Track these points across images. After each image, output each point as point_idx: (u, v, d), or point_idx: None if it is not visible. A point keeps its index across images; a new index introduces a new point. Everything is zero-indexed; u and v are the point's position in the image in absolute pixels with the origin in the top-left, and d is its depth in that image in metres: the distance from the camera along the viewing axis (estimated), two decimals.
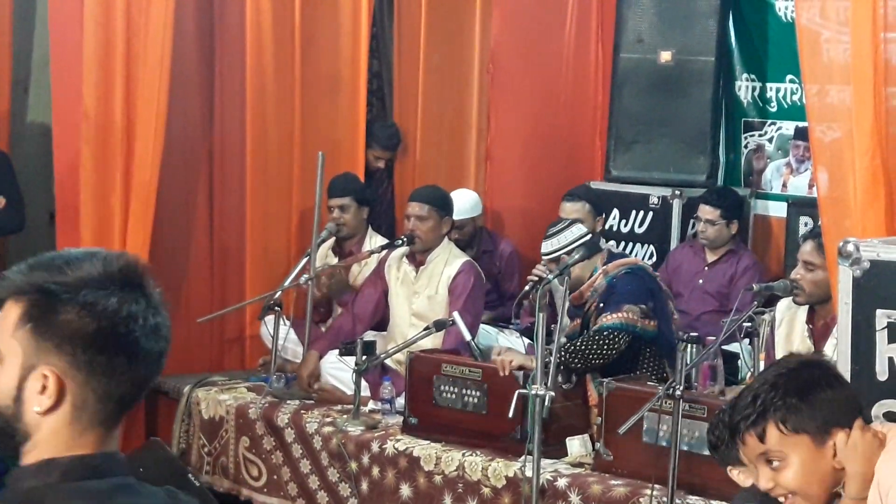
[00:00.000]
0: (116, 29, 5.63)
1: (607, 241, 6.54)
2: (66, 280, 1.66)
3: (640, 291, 4.92)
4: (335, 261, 6.13)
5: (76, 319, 1.64)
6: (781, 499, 2.56)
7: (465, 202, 6.37)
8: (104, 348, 1.66)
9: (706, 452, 4.31)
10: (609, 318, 4.83)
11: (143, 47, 5.66)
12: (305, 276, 5.73)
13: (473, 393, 4.93)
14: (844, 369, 3.08)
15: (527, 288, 5.16)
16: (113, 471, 1.68)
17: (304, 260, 5.84)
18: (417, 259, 5.70)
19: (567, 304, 4.95)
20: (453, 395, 4.97)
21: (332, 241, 6.18)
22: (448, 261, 5.64)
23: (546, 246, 5.07)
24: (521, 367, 4.77)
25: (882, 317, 3.02)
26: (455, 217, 6.18)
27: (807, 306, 4.65)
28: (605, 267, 5.00)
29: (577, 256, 4.93)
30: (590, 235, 5.12)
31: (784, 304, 4.77)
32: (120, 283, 1.69)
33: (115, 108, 5.66)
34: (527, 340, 5.65)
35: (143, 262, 1.76)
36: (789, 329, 4.71)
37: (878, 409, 3.05)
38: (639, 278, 4.99)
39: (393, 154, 6.95)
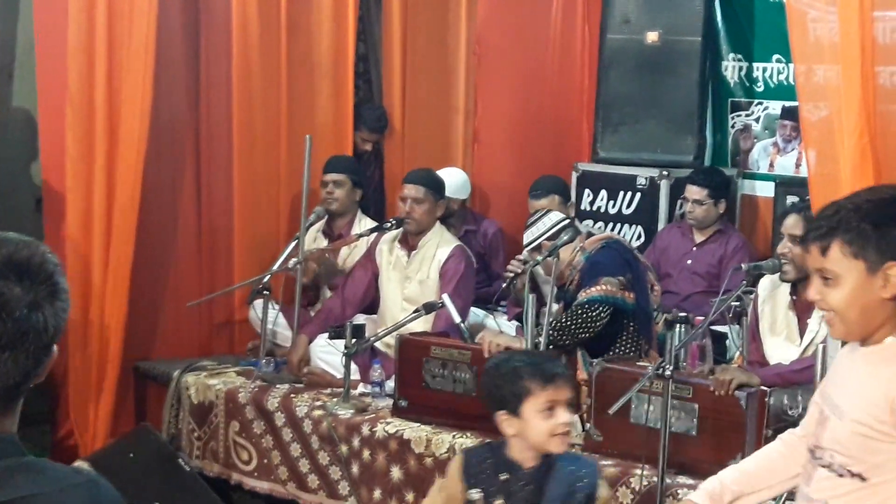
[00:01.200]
0: (100, 14, 5.60)
1: (595, 223, 6.56)
2: None
3: (616, 264, 4.98)
4: (324, 243, 6.12)
5: None
6: (824, 312, 2.66)
7: (455, 181, 6.38)
8: None
9: (693, 433, 4.35)
10: (588, 292, 4.89)
11: (128, 32, 5.63)
12: (294, 259, 5.73)
13: (463, 375, 4.93)
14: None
15: (505, 284, 5.20)
16: (6, 452, 1.68)
17: (293, 244, 5.83)
18: (410, 243, 5.70)
19: (555, 288, 4.96)
20: (443, 378, 4.98)
21: (321, 223, 6.18)
22: (439, 245, 5.65)
23: (527, 236, 5.11)
24: (508, 349, 4.77)
25: None
26: (454, 197, 6.21)
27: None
28: (582, 245, 5.04)
29: (565, 238, 4.94)
30: (567, 220, 5.14)
31: (766, 282, 4.79)
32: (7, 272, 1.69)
33: (100, 94, 5.64)
34: (516, 323, 5.66)
35: (39, 255, 1.74)
36: (773, 305, 4.73)
37: None
38: (614, 251, 5.05)
39: (380, 136, 6.94)
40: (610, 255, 5.02)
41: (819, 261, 2.59)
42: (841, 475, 2.60)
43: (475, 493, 3.22)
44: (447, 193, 6.10)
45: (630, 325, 5.01)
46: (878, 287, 2.54)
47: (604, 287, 4.89)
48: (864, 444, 2.55)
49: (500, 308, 6.23)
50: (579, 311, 4.85)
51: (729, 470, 2.99)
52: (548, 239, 5.03)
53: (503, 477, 3.20)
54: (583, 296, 4.90)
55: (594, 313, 4.84)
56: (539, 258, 4.94)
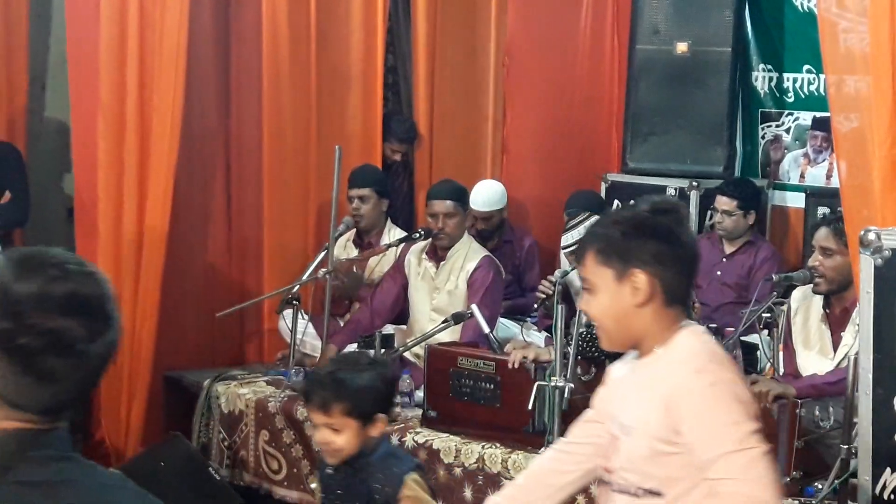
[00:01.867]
0: (131, 25, 5.64)
1: None
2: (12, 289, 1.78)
3: None
4: (355, 253, 6.14)
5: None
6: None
7: (492, 194, 6.40)
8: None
9: None
10: None
11: (159, 43, 5.67)
12: (323, 269, 5.74)
13: (487, 386, 4.92)
14: (867, 358, 3.08)
15: (536, 305, 5.15)
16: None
17: (323, 254, 5.85)
18: (438, 254, 5.71)
19: None
20: (469, 388, 4.96)
21: (351, 233, 6.20)
22: (468, 255, 5.66)
23: (566, 238, 5.07)
24: (536, 360, 4.76)
25: None
26: (483, 209, 6.24)
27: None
28: None
29: None
30: None
31: (799, 293, 4.76)
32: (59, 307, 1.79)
33: (132, 104, 5.67)
34: (546, 334, 5.65)
35: (100, 290, 1.85)
36: (805, 317, 4.70)
37: None
38: None
39: (410, 147, 6.96)
40: None
41: (581, 270, 2.67)
42: (637, 495, 2.60)
43: (314, 484, 3.68)
44: (486, 206, 6.19)
45: None
46: (628, 294, 2.59)
47: None
48: (654, 459, 2.56)
49: (530, 319, 6.23)
50: None
51: (506, 487, 3.06)
52: None
53: (328, 471, 3.49)
54: None
55: None
56: (569, 268, 4.91)
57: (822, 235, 4.57)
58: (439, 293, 5.67)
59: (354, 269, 6.08)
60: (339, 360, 3.81)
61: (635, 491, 2.60)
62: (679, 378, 2.55)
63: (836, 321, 4.58)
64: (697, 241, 2.80)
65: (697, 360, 2.57)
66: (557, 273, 5.07)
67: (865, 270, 3.06)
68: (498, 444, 4.83)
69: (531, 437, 4.69)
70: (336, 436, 3.37)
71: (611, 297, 2.61)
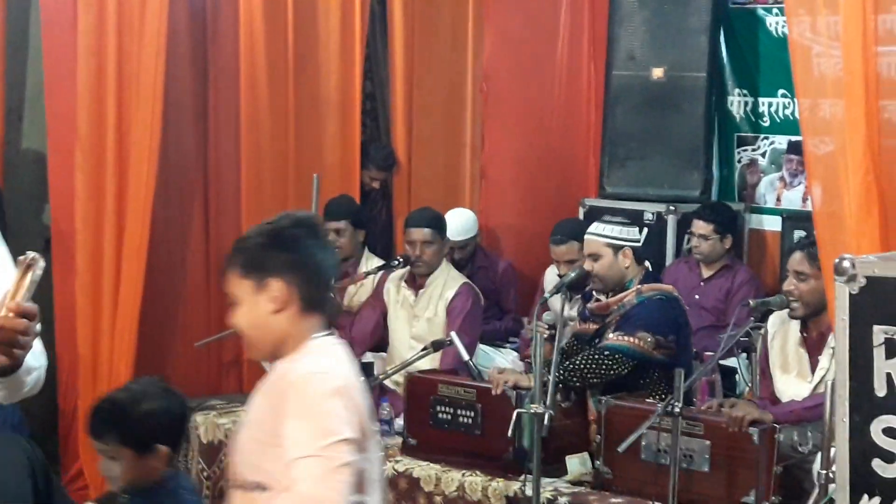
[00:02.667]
0: (109, 56, 5.65)
1: None
2: None
3: (663, 322, 4.84)
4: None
5: None
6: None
7: (465, 222, 6.41)
8: None
9: (706, 469, 4.34)
10: (617, 339, 4.79)
11: (136, 75, 5.68)
12: None
13: (468, 413, 4.92)
14: (843, 385, 3.08)
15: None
16: None
17: None
18: (417, 282, 5.71)
19: (567, 328, 4.89)
20: (449, 416, 4.96)
21: None
22: (446, 283, 5.67)
23: (598, 227, 5.02)
24: (516, 386, 4.76)
25: (879, 333, 3.01)
26: (458, 237, 6.24)
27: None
28: (640, 286, 4.94)
29: (572, 276, 4.92)
30: (638, 244, 5.05)
31: (776, 318, 4.77)
32: None
33: (109, 135, 5.68)
34: (517, 360, 5.66)
35: None
36: (783, 341, 4.72)
37: (877, 424, 3.03)
38: (668, 308, 4.92)
39: (388, 175, 6.97)
40: (661, 309, 4.87)
41: (225, 286, 2.81)
42: (247, 489, 2.74)
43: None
44: (460, 235, 6.22)
45: (655, 374, 4.85)
46: (266, 303, 2.73)
47: (635, 341, 4.77)
48: (261, 453, 2.71)
49: (508, 345, 6.24)
50: (597, 357, 4.77)
51: None
52: (611, 245, 4.93)
53: (122, 498, 3.42)
54: (610, 340, 4.81)
55: (612, 363, 4.75)
56: (572, 274, 4.90)
57: (797, 260, 4.59)
58: (419, 321, 5.67)
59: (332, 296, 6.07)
60: (128, 386, 3.74)
61: (246, 484, 2.74)
62: (292, 379, 2.71)
63: (814, 345, 4.60)
64: (334, 254, 2.94)
65: (315, 366, 2.72)
66: (545, 316, 5.01)
67: (840, 298, 3.06)
68: (478, 472, 4.82)
69: (511, 464, 4.69)
70: (113, 463, 3.35)
71: (251, 307, 2.76)
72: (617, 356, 4.75)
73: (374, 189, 6.92)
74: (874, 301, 3.01)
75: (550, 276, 6.16)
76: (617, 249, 4.93)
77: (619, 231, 4.99)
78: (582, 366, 4.76)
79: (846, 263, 3.05)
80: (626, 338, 4.78)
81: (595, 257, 4.94)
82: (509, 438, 4.61)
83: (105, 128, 5.68)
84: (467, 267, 6.39)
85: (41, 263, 2.32)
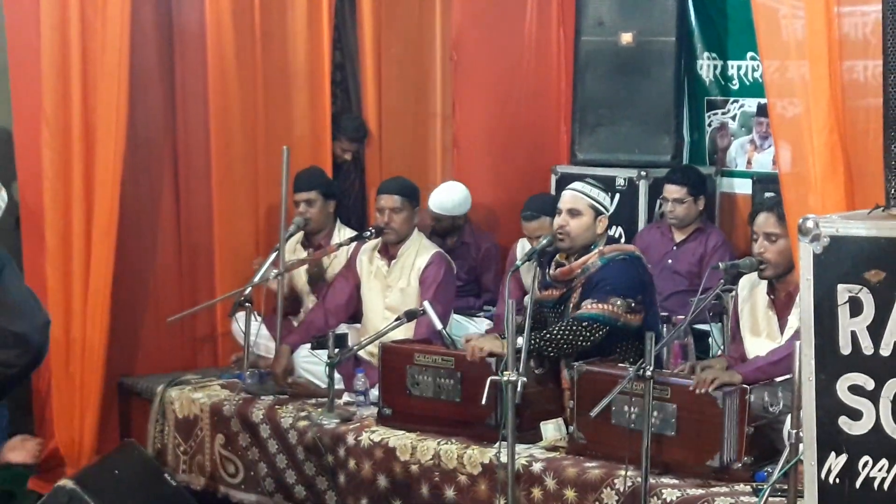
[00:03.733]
0: (72, 32, 5.61)
1: None
2: None
3: (633, 284, 4.84)
4: (304, 254, 6.13)
5: None
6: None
7: (459, 197, 6.40)
8: None
9: (671, 433, 4.36)
10: (592, 308, 4.78)
11: (101, 49, 5.64)
12: (275, 271, 5.73)
13: (447, 381, 4.93)
14: (809, 344, 3.10)
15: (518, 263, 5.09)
16: None
17: (273, 255, 5.84)
18: (389, 252, 5.71)
19: (534, 294, 4.88)
20: (427, 385, 4.98)
21: (300, 235, 6.18)
22: (419, 252, 5.67)
23: (584, 187, 5.01)
24: (491, 354, 4.77)
25: (843, 291, 3.04)
26: (452, 213, 6.25)
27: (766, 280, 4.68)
28: (602, 248, 4.94)
29: (543, 241, 4.93)
30: (607, 212, 5.03)
31: (745, 282, 4.79)
32: None
33: (75, 112, 5.64)
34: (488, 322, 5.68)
35: None
36: (752, 304, 4.74)
37: (843, 382, 3.06)
38: (634, 269, 4.91)
39: (360, 146, 6.95)
40: (628, 271, 4.87)
41: None
42: None
43: None
44: (455, 210, 6.24)
45: (626, 341, 4.86)
46: None
47: (610, 307, 4.76)
48: None
49: (482, 313, 6.26)
50: (574, 327, 4.76)
51: None
52: (593, 203, 4.94)
53: None
54: (586, 309, 4.80)
55: (588, 332, 4.74)
56: (543, 241, 4.91)
57: (765, 221, 4.59)
58: (392, 291, 5.67)
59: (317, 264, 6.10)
60: None
61: None
62: None
63: (782, 305, 4.63)
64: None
65: None
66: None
67: (805, 258, 3.08)
68: (454, 440, 4.84)
69: (491, 430, 4.70)
70: None
71: None
72: (594, 325, 4.76)
73: (346, 161, 6.90)
74: (838, 260, 3.04)
75: (521, 248, 6.17)
76: (597, 214, 4.94)
77: (602, 197, 5.00)
78: (558, 336, 4.76)
79: (810, 223, 3.07)
80: (599, 305, 4.78)
81: (574, 213, 4.92)
82: (489, 405, 4.62)
83: (71, 104, 5.64)
84: (454, 238, 6.41)
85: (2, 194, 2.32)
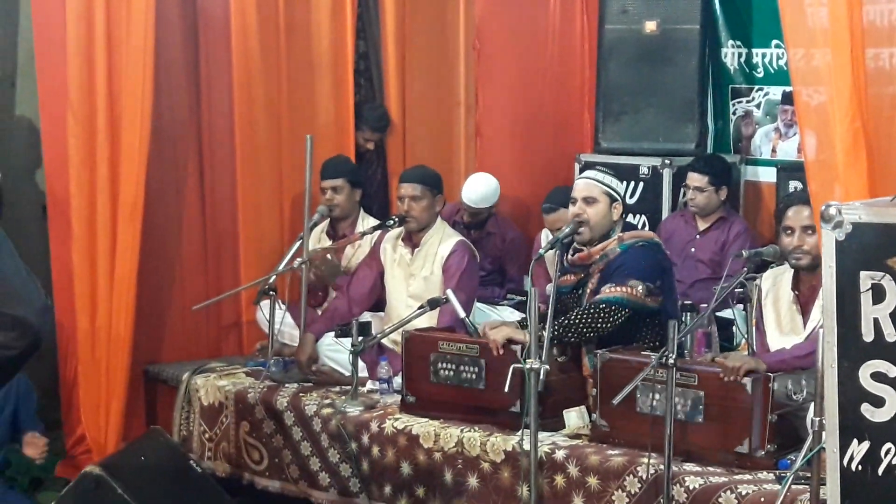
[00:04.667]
0: (98, 21, 5.64)
1: None
2: None
3: (652, 268, 4.84)
4: (329, 243, 6.15)
5: None
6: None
7: (490, 191, 6.43)
8: None
9: (700, 420, 4.37)
10: (611, 291, 4.79)
11: (126, 38, 5.67)
12: (299, 259, 5.76)
13: (471, 369, 4.94)
14: (831, 332, 3.10)
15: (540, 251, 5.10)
16: None
17: (298, 244, 5.86)
18: (413, 241, 5.72)
19: (556, 283, 4.88)
20: (451, 372, 4.99)
21: (325, 224, 6.20)
22: (442, 241, 5.67)
23: (597, 174, 5.02)
24: (510, 340, 4.78)
25: (866, 278, 3.03)
26: (481, 206, 6.28)
27: (791, 273, 4.66)
28: (621, 234, 4.94)
29: (566, 230, 4.93)
30: (621, 198, 5.02)
31: (769, 276, 4.78)
32: None
33: (101, 100, 5.68)
34: (517, 313, 5.68)
35: None
36: (775, 299, 4.72)
37: (866, 369, 3.06)
38: (653, 254, 4.91)
39: (382, 135, 6.96)
40: (647, 256, 4.87)
41: None
42: None
43: None
44: (485, 203, 6.27)
45: (648, 322, 4.86)
46: None
47: (629, 290, 4.76)
48: None
49: (505, 301, 6.27)
50: (593, 311, 4.76)
51: None
52: (609, 193, 4.93)
53: None
54: (605, 293, 4.80)
55: (609, 315, 4.74)
56: (565, 230, 4.92)
57: (800, 214, 4.56)
58: (415, 279, 5.69)
59: (330, 257, 6.10)
60: None
61: None
62: None
63: (806, 300, 4.61)
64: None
65: None
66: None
67: (827, 245, 3.08)
68: (477, 428, 4.86)
69: (515, 418, 4.71)
70: None
71: None
72: (613, 307, 4.76)
73: (368, 150, 6.92)
74: (860, 247, 3.03)
75: (545, 238, 6.18)
76: (612, 200, 4.94)
77: (615, 184, 5.00)
78: (578, 321, 4.77)
79: (832, 210, 3.07)
80: (618, 288, 4.79)
81: (590, 201, 4.93)
82: (513, 393, 4.62)
83: (96, 93, 5.68)
84: (479, 231, 6.43)
85: None
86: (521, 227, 6.77)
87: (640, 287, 4.77)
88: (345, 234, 6.14)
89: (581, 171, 6.68)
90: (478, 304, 5.85)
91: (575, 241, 4.99)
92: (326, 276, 6.09)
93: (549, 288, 4.84)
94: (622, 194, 5.03)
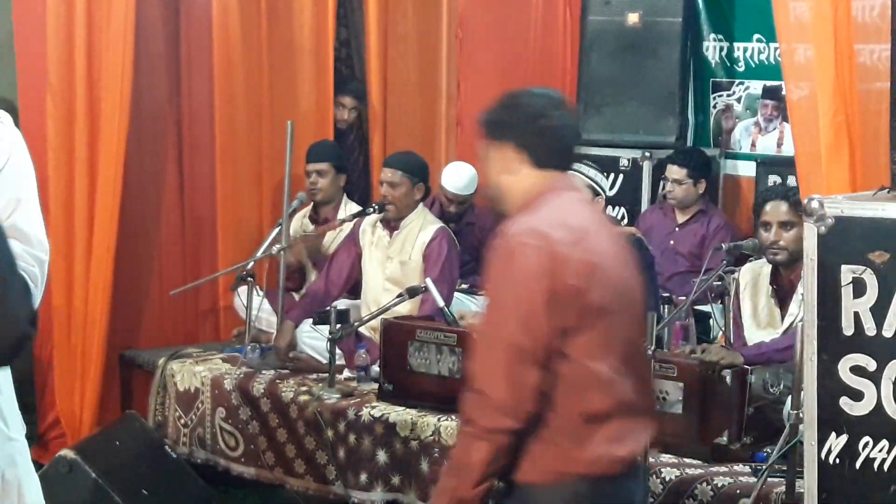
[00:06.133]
0: (78, 2, 5.60)
1: None
2: None
3: None
4: (311, 228, 6.14)
5: None
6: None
7: (469, 178, 6.39)
8: None
9: (678, 410, 4.37)
10: None
11: (106, 20, 5.64)
12: (278, 245, 5.74)
13: (448, 358, 4.94)
14: (811, 325, 3.11)
15: None
16: None
17: (277, 229, 5.85)
18: (392, 224, 5.71)
19: None
20: (428, 361, 4.99)
21: (307, 209, 6.19)
22: (422, 227, 5.66)
23: (581, 167, 5.01)
24: None
25: (847, 272, 3.04)
26: (461, 192, 6.26)
27: (769, 267, 4.68)
28: None
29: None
30: (603, 193, 5.05)
31: (747, 271, 4.80)
32: None
33: (80, 83, 5.65)
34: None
35: None
36: (753, 293, 4.74)
37: (845, 363, 3.07)
38: (634, 250, 4.93)
39: (361, 105, 6.93)
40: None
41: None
42: None
43: None
44: (465, 191, 6.24)
45: None
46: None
47: None
48: None
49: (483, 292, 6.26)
50: None
51: None
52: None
53: None
54: None
55: None
56: None
57: (778, 209, 4.59)
58: (392, 262, 5.67)
59: (312, 237, 6.09)
60: None
61: None
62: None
63: (784, 295, 4.63)
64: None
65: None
66: None
67: (809, 238, 3.09)
68: (454, 417, 4.85)
69: None
70: None
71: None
72: None
73: (348, 122, 6.90)
74: (842, 241, 3.04)
75: None
76: (595, 194, 4.94)
77: (599, 178, 5.00)
78: None
79: (815, 204, 3.07)
80: None
81: None
82: None
83: (75, 75, 5.65)
84: (458, 222, 6.41)
85: None
86: (499, 218, 6.75)
87: None
88: (327, 219, 6.12)
89: None
90: (457, 295, 5.84)
91: None
92: (309, 254, 6.08)
93: None
94: (605, 188, 5.03)
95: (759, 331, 4.70)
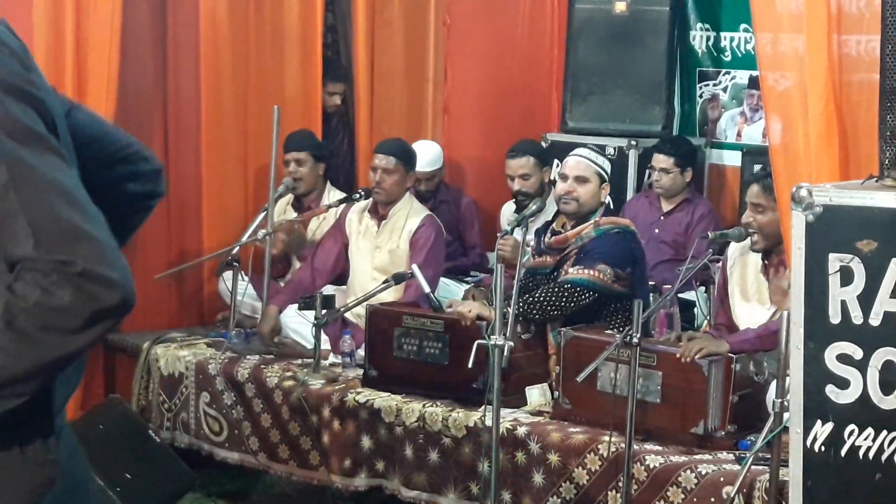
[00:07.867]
0: None
1: None
2: None
3: (622, 255, 4.86)
4: (294, 216, 6.13)
5: None
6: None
7: (432, 154, 6.41)
8: None
9: (657, 400, 4.39)
10: (579, 273, 4.80)
11: (94, 4, 5.61)
12: (263, 231, 5.73)
13: (434, 344, 4.94)
14: (798, 313, 3.12)
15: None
16: None
17: (262, 215, 5.84)
18: (379, 213, 5.70)
19: (523, 265, 4.89)
20: (414, 347, 4.98)
21: (290, 196, 6.18)
22: (409, 215, 5.66)
23: (590, 153, 5.05)
24: (479, 317, 4.79)
25: (835, 261, 3.06)
26: (427, 168, 6.24)
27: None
28: (597, 219, 4.95)
29: (533, 208, 4.94)
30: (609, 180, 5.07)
31: (735, 247, 4.81)
32: None
33: (67, 67, 5.61)
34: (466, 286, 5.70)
35: None
36: (742, 269, 4.75)
37: (832, 351, 3.09)
38: (626, 242, 4.93)
39: (347, 87, 6.92)
40: (620, 243, 4.89)
41: None
42: None
43: None
44: (428, 167, 6.24)
45: (614, 306, 4.89)
46: None
47: (596, 273, 4.78)
48: None
49: (470, 278, 6.27)
50: (558, 291, 4.78)
51: None
52: (599, 172, 4.96)
53: None
54: (571, 274, 4.82)
55: (573, 296, 4.76)
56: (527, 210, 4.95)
57: (754, 192, 4.62)
58: (380, 252, 5.67)
59: (296, 227, 6.08)
60: None
61: None
62: None
63: (774, 272, 4.64)
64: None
65: None
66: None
67: (797, 226, 3.10)
68: (439, 403, 4.86)
69: (477, 394, 4.71)
70: None
71: None
72: (578, 289, 4.78)
73: (336, 107, 6.89)
74: (830, 229, 3.05)
75: (507, 212, 6.18)
76: (602, 181, 4.97)
77: (606, 165, 5.05)
78: (542, 299, 4.78)
79: (803, 192, 3.09)
80: (585, 271, 4.80)
81: (582, 180, 4.95)
82: (476, 368, 4.62)
83: (63, 58, 5.61)
84: (431, 200, 6.40)
85: None
86: (486, 203, 6.76)
87: (608, 272, 4.79)
88: (310, 208, 6.12)
89: (547, 150, 6.71)
90: (443, 280, 5.85)
91: (561, 212, 5.01)
92: (293, 246, 6.07)
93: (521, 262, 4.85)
94: (609, 174, 5.06)
95: (747, 304, 4.71)
